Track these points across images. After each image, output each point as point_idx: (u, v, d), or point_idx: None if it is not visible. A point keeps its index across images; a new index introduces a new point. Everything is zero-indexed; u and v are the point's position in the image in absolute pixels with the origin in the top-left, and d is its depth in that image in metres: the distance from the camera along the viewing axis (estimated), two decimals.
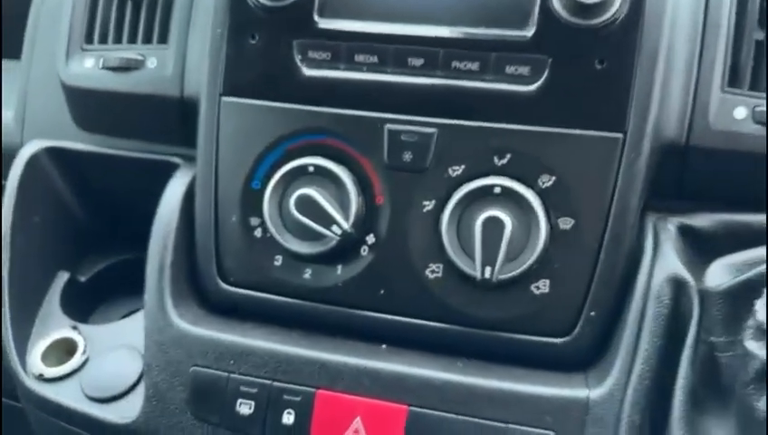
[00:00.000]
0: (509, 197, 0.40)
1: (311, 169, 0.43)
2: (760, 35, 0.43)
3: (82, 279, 0.56)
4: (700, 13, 0.42)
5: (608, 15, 0.39)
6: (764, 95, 0.41)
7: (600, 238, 0.41)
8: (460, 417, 0.39)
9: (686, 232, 0.43)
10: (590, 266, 0.41)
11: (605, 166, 0.41)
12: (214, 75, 0.46)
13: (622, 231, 0.41)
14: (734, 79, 0.42)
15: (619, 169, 0.40)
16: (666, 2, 0.41)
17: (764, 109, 0.40)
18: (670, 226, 0.42)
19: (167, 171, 0.51)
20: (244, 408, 0.41)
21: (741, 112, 0.41)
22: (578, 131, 0.41)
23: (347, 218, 0.42)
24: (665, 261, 0.40)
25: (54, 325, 0.50)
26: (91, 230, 0.58)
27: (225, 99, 0.46)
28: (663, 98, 0.41)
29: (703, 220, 0.43)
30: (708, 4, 0.42)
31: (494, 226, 0.39)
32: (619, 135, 0.40)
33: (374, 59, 0.43)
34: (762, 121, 0.41)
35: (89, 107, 0.53)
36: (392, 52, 0.43)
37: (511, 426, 0.39)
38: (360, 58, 0.43)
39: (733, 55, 0.42)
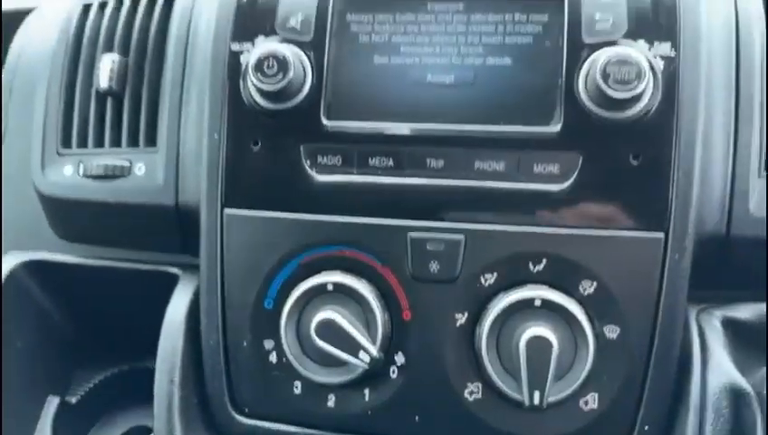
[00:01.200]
0: (551, 309, 0.37)
1: (329, 287, 0.39)
2: None
3: (73, 401, 0.51)
4: (732, 96, 0.40)
5: (640, 107, 0.37)
6: None
7: (650, 345, 0.38)
8: None
9: (731, 325, 0.40)
10: (640, 376, 0.38)
11: (648, 267, 0.38)
12: (213, 185, 0.42)
13: (671, 335, 0.38)
14: None
15: (664, 270, 0.38)
16: (699, 86, 0.38)
17: None
18: (715, 320, 0.40)
19: (164, 282, 0.47)
20: None
21: None
22: (616, 232, 0.38)
23: (373, 340, 0.38)
24: (717, 365, 0.38)
25: None
26: (79, 345, 0.53)
27: (227, 211, 0.41)
28: (702, 189, 0.39)
29: (747, 312, 0.41)
30: (739, 85, 0.40)
31: (539, 345, 0.36)
32: (661, 234, 0.38)
33: (389, 162, 0.40)
34: None
35: (70, 217, 0.48)
36: (408, 153, 0.40)
37: None
38: (374, 161, 0.40)
39: None
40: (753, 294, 0.41)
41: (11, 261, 0.49)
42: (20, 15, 0.59)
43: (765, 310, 0.40)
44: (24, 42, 0.55)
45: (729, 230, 0.39)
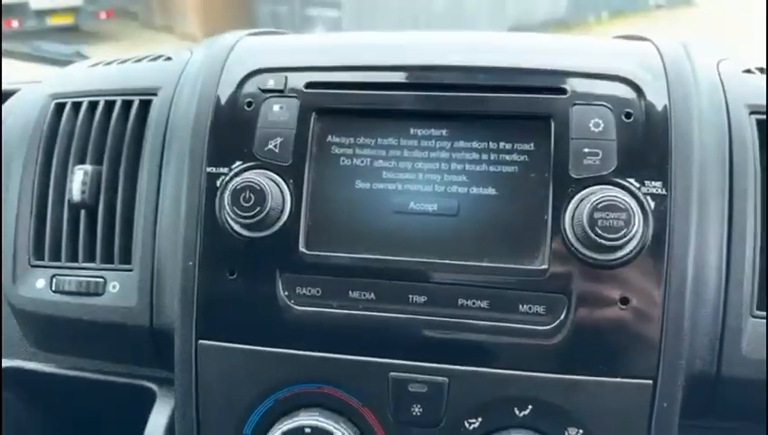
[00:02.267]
0: None
1: (307, 431, 0.38)
2: None
3: None
4: (724, 231, 0.39)
5: (628, 250, 0.36)
6: None
7: None
8: None
9: None
10: None
11: (636, 415, 0.37)
12: (187, 316, 0.40)
13: None
14: (763, 300, 0.39)
15: (652, 417, 0.37)
16: (690, 224, 0.37)
17: None
18: None
19: (139, 394, 0.45)
20: None
21: None
22: (604, 379, 0.37)
23: None
24: None
25: None
26: None
27: (201, 342, 0.40)
28: (693, 332, 0.37)
29: None
30: (732, 219, 0.39)
31: None
32: (650, 382, 0.37)
33: (371, 295, 0.39)
34: None
35: (43, 330, 0.47)
36: (390, 287, 0.38)
37: None
38: (354, 295, 0.39)
39: (760, 275, 0.39)
40: (745, 425, 0.40)
41: None
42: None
43: None
44: (5, 125, 0.54)
45: (719, 371, 0.38)
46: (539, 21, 8.73)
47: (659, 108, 0.38)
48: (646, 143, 0.38)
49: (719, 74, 0.42)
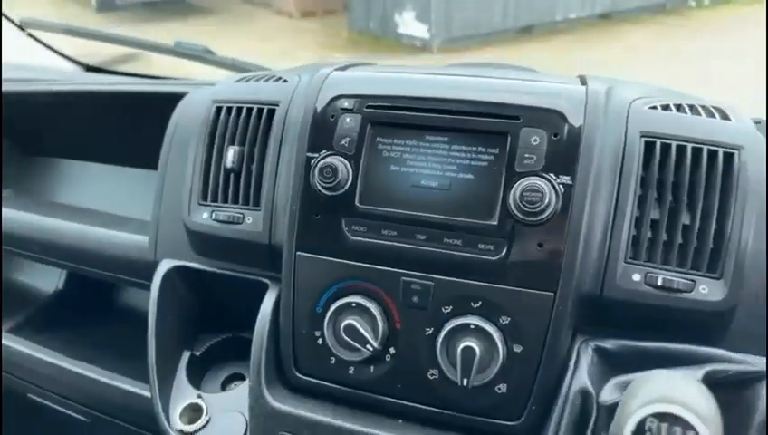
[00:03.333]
0: (480, 331, 0.63)
1: (353, 305, 0.66)
2: (656, 215, 0.63)
3: (197, 354, 0.82)
4: (612, 205, 0.62)
5: (543, 216, 0.61)
6: (655, 265, 0.62)
7: (539, 358, 0.63)
8: None
9: (600, 353, 0.64)
10: (533, 376, 0.63)
11: (543, 312, 0.62)
12: (291, 238, 0.70)
13: (554, 355, 0.63)
14: (634, 253, 0.63)
15: (552, 314, 0.62)
16: (585, 201, 0.61)
17: (654, 275, 0.61)
18: (589, 348, 0.64)
19: (258, 287, 0.76)
20: None
21: (637, 277, 0.62)
22: (525, 289, 0.63)
23: (376, 339, 0.65)
24: (580, 376, 0.62)
25: (183, 394, 0.76)
26: (203, 320, 0.83)
27: (299, 253, 0.69)
28: (583, 267, 0.62)
29: (613, 344, 0.64)
30: (618, 198, 0.63)
31: (469, 351, 0.62)
32: (551, 293, 0.62)
33: (394, 233, 0.66)
34: (650, 284, 0.61)
35: (204, 243, 0.78)
36: (405, 229, 0.66)
37: None
38: (384, 232, 0.66)
39: (634, 236, 0.63)
40: (623, 333, 0.65)
41: (165, 266, 0.80)
42: (176, 97, 0.88)
43: (625, 343, 0.64)
44: (180, 116, 0.85)
45: (602, 293, 0.63)
46: (634, 5, 8.43)
47: (576, 131, 0.63)
48: (564, 153, 0.62)
49: (628, 109, 0.66)
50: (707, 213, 0.61)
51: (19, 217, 0.95)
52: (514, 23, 7.44)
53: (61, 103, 1.05)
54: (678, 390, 0.42)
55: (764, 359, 0.58)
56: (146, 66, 1.58)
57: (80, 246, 0.90)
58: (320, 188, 0.67)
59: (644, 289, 0.61)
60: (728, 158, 0.62)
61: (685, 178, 0.62)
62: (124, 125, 0.91)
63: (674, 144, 0.63)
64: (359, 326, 0.65)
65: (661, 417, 0.40)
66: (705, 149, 0.62)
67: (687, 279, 0.60)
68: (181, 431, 0.72)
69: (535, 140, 0.63)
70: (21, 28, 1.37)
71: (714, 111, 0.67)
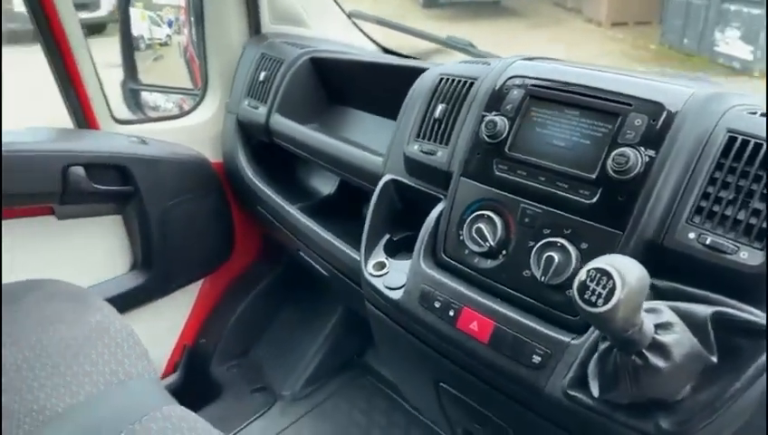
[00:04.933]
0: (563, 248, 0.88)
1: (485, 216, 0.98)
2: (721, 193, 0.80)
3: (394, 239, 1.22)
4: (685, 179, 0.82)
5: (629, 176, 0.84)
6: (710, 230, 0.79)
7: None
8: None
9: (652, 288, 0.83)
10: None
11: (611, 245, 0.85)
12: (460, 167, 1.04)
13: None
14: (695, 217, 0.81)
15: (617, 249, 0.84)
16: (663, 171, 0.82)
17: (706, 236, 0.79)
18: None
19: (436, 199, 1.12)
20: (437, 304, 1.00)
21: (692, 235, 0.80)
22: (602, 226, 0.86)
23: (494, 240, 0.96)
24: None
25: (377, 257, 1.17)
26: (400, 217, 1.23)
27: (462, 178, 1.03)
28: (650, 218, 0.83)
29: (664, 285, 0.81)
30: (694, 172, 0.81)
31: (550, 259, 0.88)
32: (621, 232, 0.84)
33: (524, 173, 0.95)
34: (702, 242, 0.79)
35: (411, 165, 1.16)
36: (533, 171, 0.94)
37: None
38: (519, 172, 0.96)
39: (699, 206, 0.81)
40: (681, 280, 0.83)
41: (386, 178, 1.21)
42: (421, 71, 1.28)
43: (675, 285, 0.82)
44: (418, 84, 1.23)
45: (663, 242, 0.83)
46: None
47: (669, 120, 0.83)
48: (656, 133, 0.83)
49: (725, 111, 0.83)
50: (764, 200, 0.76)
51: (315, 138, 1.47)
52: None
53: (354, 69, 1.54)
54: (617, 259, 0.65)
55: (765, 314, 0.72)
56: (443, 57, 2.01)
57: (343, 158, 1.38)
58: (484, 136, 1.00)
59: (696, 245, 0.80)
60: None
61: (752, 170, 0.78)
62: (388, 88, 1.34)
63: (752, 141, 0.79)
64: (484, 229, 0.97)
65: (598, 270, 0.64)
66: None
67: (733, 244, 0.77)
68: (371, 274, 1.14)
69: (638, 122, 0.86)
70: (348, 17, 1.94)
71: None
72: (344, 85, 1.62)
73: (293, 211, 1.52)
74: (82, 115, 1.60)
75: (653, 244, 0.83)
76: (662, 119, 0.84)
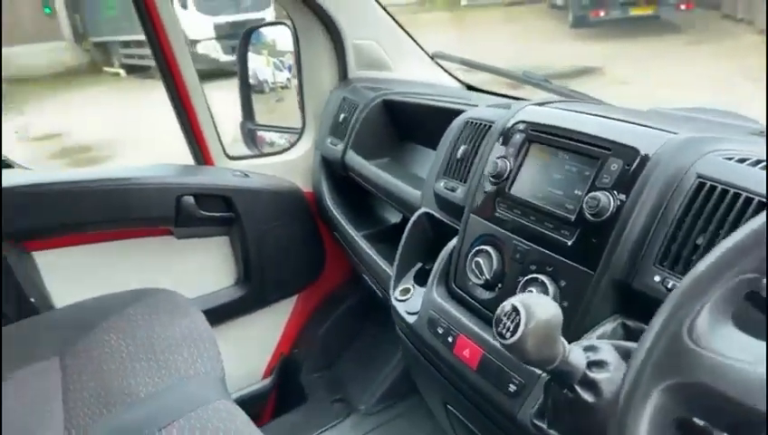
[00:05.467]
0: (543, 285, 0.94)
1: (484, 251, 1.06)
2: (686, 236, 0.81)
3: (426, 267, 1.32)
4: (654, 222, 0.84)
5: (602, 218, 0.88)
6: (674, 273, 0.81)
7: (577, 314, 0.90)
8: None
9: (624, 327, 0.86)
10: (567, 324, 0.91)
11: (586, 284, 0.89)
12: (470, 204, 1.12)
13: (586, 315, 0.89)
14: (662, 260, 0.82)
15: (589, 287, 0.88)
16: (633, 212, 0.85)
17: (669, 279, 0.81)
18: (617, 322, 0.87)
19: (456, 232, 1.21)
20: (440, 330, 1.09)
21: (657, 278, 0.82)
22: (579, 266, 0.90)
23: (489, 274, 1.03)
24: (600, 335, 0.87)
25: (405, 281, 1.29)
26: (431, 248, 1.33)
27: (471, 215, 1.12)
28: (618, 259, 0.85)
29: (634, 324, 0.85)
30: (665, 213, 0.83)
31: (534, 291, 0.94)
32: (593, 272, 0.88)
33: (519, 212, 1.02)
34: (665, 285, 0.81)
35: (438, 200, 1.27)
36: (526, 211, 1.01)
37: None
38: (515, 211, 1.03)
39: (665, 248, 0.82)
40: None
41: (420, 211, 1.32)
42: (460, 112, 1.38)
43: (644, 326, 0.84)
44: (453, 125, 1.35)
45: (632, 283, 0.85)
46: None
47: (642, 165, 0.86)
48: (628, 178, 0.86)
49: (701, 157, 0.83)
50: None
51: (373, 172, 1.64)
52: None
53: (418, 109, 1.68)
54: (532, 298, 0.71)
55: None
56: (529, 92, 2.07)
57: (391, 191, 1.52)
58: (489, 176, 1.08)
59: (660, 288, 0.82)
60: (759, 207, 0.76)
61: (718, 216, 0.78)
62: (443, 127, 1.46)
63: (719, 187, 0.79)
64: (482, 263, 1.05)
65: (512, 306, 0.70)
66: (744, 195, 0.77)
67: None
68: (396, 299, 1.26)
69: (614, 167, 0.89)
70: (431, 58, 2.08)
71: None
72: (411, 124, 1.76)
73: (357, 238, 1.68)
74: (200, 153, 1.92)
75: (623, 284, 0.86)
76: (636, 163, 0.87)
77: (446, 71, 2.09)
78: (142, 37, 1.73)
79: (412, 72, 2.07)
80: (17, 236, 1.67)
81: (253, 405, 2.01)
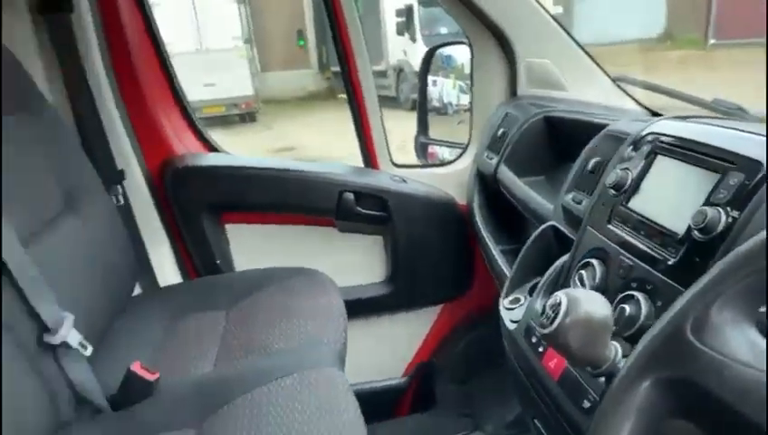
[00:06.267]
0: (638, 302, 0.86)
1: (589, 263, 1.00)
2: None
3: (539, 281, 1.28)
4: None
5: (709, 236, 0.79)
6: None
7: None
8: None
9: None
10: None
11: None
12: (588, 216, 1.08)
13: None
14: None
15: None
16: (742, 234, 0.75)
17: None
18: None
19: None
20: (533, 339, 1.06)
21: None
22: (677, 286, 0.81)
23: (592, 286, 0.97)
24: None
25: (518, 293, 1.26)
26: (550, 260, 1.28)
27: (587, 227, 1.07)
28: None
29: None
30: None
31: (622, 311, 0.87)
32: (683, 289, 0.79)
33: (629, 227, 0.95)
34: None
35: (563, 213, 1.23)
36: (637, 226, 0.94)
37: None
38: (627, 225, 0.96)
39: None
40: None
41: (547, 223, 1.29)
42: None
43: None
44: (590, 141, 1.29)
45: None
46: None
47: (762, 180, 0.75)
48: (745, 195, 0.76)
49: None
50: None
51: (518, 187, 1.62)
52: None
53: (579, 128, 1.62)
54: (580, 292, 0.66)
55: None
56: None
57: (530, 206, 1.50)
58: (610, 188, 1.03)
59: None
60: None
61: None
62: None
63: None
64: (584, 275, 1.00)
65: (557, 298, 0.67)
66: None
67: None
68: (504, 307, 1.24)
69: (734, 181, 0.80)
70: (613, 81, 1.99)
71: None
72: (572, 142, 1.71)
73: (495, 252, 1.68)
74: (369, 157, 2.10)
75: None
76: (757, 178, 0.77)
77: (628, 94, 1.98)
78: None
79: (589, 93, 2.00)
80: (215, 209, 2.00)
81: (388, 397, 2.12)
